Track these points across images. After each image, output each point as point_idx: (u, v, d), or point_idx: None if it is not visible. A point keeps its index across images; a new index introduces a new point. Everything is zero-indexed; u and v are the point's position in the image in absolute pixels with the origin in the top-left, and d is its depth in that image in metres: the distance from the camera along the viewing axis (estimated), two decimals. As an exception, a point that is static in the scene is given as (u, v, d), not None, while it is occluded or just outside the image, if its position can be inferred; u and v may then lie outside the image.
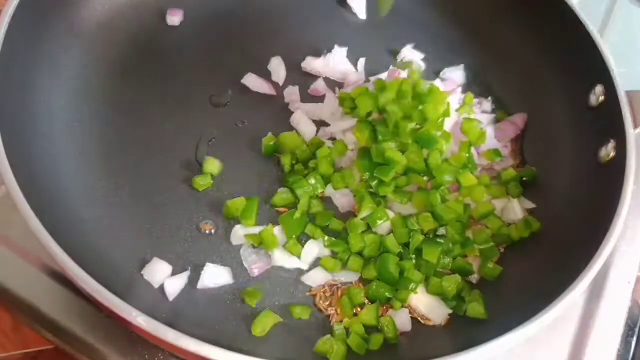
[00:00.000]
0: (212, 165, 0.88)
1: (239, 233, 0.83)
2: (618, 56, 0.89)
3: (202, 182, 0.86)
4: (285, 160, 0.89)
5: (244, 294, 0.78)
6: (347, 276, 0.81)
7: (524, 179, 0.90)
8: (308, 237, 0.84)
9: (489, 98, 1.00)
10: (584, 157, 0.87)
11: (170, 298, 0.77)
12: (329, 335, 0.75)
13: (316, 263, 0.82)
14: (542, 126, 0.96)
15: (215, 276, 0.79)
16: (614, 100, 0.83)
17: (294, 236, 0.82)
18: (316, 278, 0.81)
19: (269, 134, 0.92)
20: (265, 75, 0.99)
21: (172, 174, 0.88)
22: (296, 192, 0.85)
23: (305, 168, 0.89)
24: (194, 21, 1.04)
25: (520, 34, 1.03)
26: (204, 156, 0.89)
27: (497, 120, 0.98)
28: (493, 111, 0.99)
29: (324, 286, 0.81)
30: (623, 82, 0.84)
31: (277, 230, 0.83)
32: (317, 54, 1.03)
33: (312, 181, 0.86)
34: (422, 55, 1.05)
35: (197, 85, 0.97)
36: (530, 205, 0.88)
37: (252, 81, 0.98)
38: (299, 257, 0.82)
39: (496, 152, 0.92)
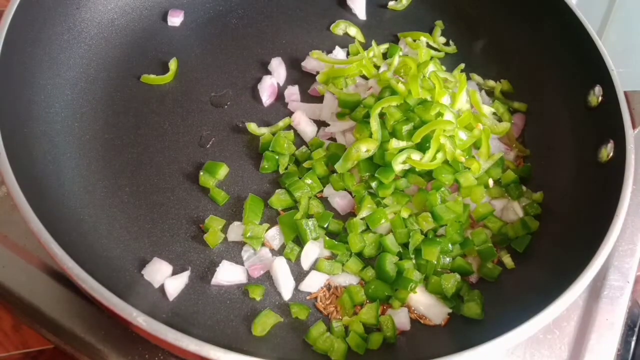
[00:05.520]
0: (222, 170, 0.88)
1: (236, 230, 0.83)
2: (617, 56, 0.90)
3: (219, 198, 0.85)
4: (282, 161, 0.89)
5: (247, 288, 0.78)
6: (346, 279, 0.81)
7: (520, 176, 0.90)
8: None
9: (490, 100, 1.00)
10: (583, 157, 0.87)
11: (171, 298, 0.77)
12: (328, 333, 0.75)
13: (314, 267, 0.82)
14: (542, 127, 0.96)
15: (230, 274, 0.79)
16: (613, 101, 0.83)
17: (291, 240, 0.82)
18: (313, 283, 0.80)
19: (267, 132, 0.92)
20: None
21: (172, 174, 0.88)
22: (293, 194, 0.85)
23: (299, 168, 0.89)
24: (194, 22, 1.04)
25: (519, 34, 1.03)
26: (210, 159, 0.89)
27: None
28: (494, 115, 0.99)
29: (322, 288, 0.81)
30: (622, 82, 0.84)
31: (275, 230, 0.83)
32: (318, 54, 1.03)
33: (309, 181, 0.86)
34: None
35: (197, 86, 0.97)
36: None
37: (265, 85, 0.97)
38: (294, 261, 0.82)
39: (501, 160, 0.91)
